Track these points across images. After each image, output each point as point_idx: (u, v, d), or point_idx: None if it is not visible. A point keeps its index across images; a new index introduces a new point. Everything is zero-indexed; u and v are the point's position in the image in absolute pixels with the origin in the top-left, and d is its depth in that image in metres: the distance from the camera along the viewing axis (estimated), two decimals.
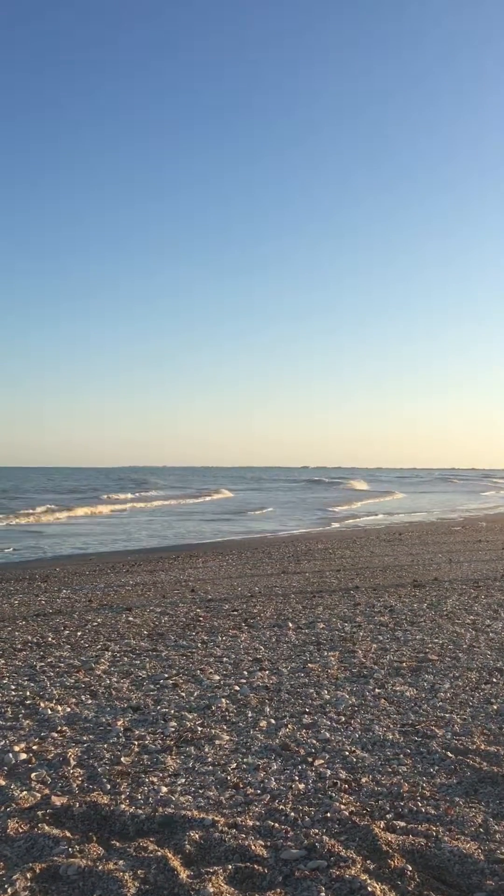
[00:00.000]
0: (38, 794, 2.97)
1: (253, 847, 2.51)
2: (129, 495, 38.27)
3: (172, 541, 16.54)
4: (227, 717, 3.93)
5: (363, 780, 3.11)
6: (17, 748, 3.49)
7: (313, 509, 30.55)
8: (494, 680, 4.60)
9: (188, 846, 2.53)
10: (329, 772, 3.19)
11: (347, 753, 3.41)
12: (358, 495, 45.28)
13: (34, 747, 3.51)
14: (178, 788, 3.03)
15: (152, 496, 38.66)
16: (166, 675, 4.75)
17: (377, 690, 4.39)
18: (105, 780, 3.12)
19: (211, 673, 4.80)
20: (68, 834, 2.64)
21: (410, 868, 2.38)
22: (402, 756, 3.38)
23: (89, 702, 4.23)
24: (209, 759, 3.35)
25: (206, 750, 3.47)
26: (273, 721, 3.86)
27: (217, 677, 4.69)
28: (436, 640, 5.71)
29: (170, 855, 2.45)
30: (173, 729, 3.75)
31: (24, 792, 2.99)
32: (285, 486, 66.20)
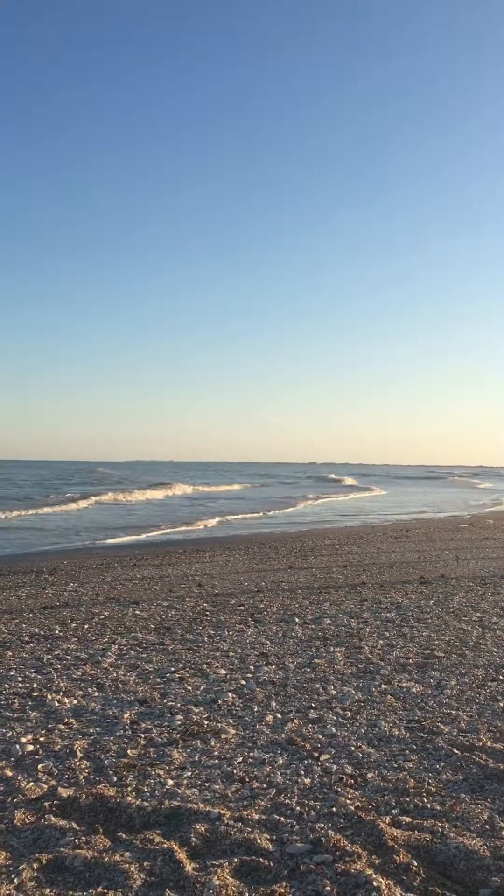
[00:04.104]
0: (45, 786, 2.98)
1: (259, 841, 2.52)
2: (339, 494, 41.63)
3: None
4: (234, 712, 3.94)
5: (369, 775, 3.11)
6: (24, 739, 3.51)
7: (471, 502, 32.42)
8: (501, 677, 4.59)
9: (194, 839, 2.54)
10: (335, 767, 3.20)
11: (353, 749, 3.41)
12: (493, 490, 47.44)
13: (41, 739, 3.53)
14: (185, 781, 3.04)
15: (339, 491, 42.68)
16: (173, 669, 4.76)
17: (383, 686, 4.39)
18: (111, 773, 3.13)
19: (217, 667, 4.81)
20: (74, 825, 2.65)
21: (416, 863, 2.38)
22: (407, 752, 3.38)
23: (96, 694, 4.24)
24: (215, 753, 3.36)
25: (213, 744, 3.48)
26: (279, 716, 3.87)
27: (223, 671, 4.70)
28: (442, 637, 5.70)
29: (176, 847, 2.46)
30: (179, 722, 3.76)
31: (31, 783, 3.01)
32: (399, 482, 66.12)
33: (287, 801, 2.86)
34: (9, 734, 3.60)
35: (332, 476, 70.28)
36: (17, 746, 3.40)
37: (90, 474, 58.98)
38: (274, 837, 2.56)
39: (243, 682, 4.45)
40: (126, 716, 3.86)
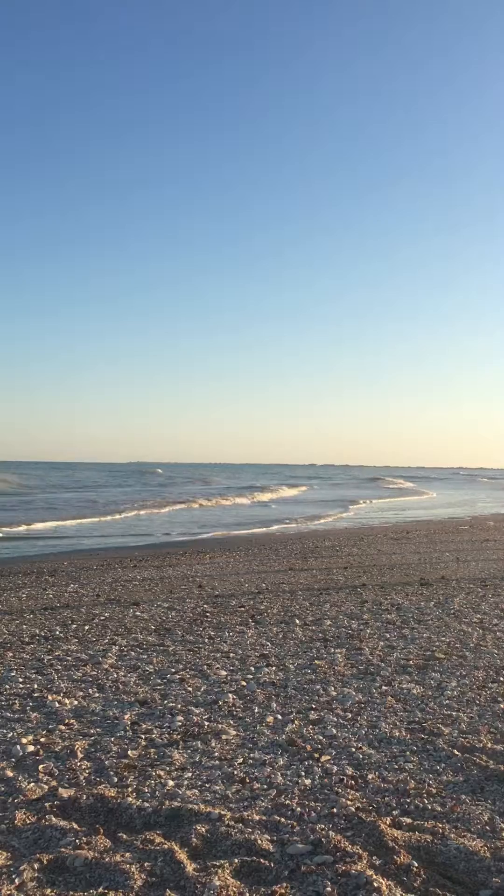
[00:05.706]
0: (46, 786, 2.99)
1: (259, 841, 2.52)
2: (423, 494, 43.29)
3: None
4: (234, 713, 3.94)
5: (369, 776, 3.11)
6: (24, 740, 3.51)
7: None
8: (501, 679, 4.59)
9: (195, 839, 2.54)
10: (335, 768, 3.20)
11: (354, 750, 3.41)
12: None
13: (42, 739, 3.53)
14: (185, 782, 3.04)
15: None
16: (173, 670, 4.76)
17: (384, 688, 4.39)
18: (112, 773, 3.13)
19: (218, 668, 4.81)
20: (75, 826, 2.65)
21: (416, 864, 2.39)
22: (408, 753, 3.38)
23: (96, 695, 4.25)
24: (216, 754, 3.36)
25: (213, 744, 3.48)
26: (279, 717, 3.87)
27: (224, 673, 4.70)
28: (443, 639, 5.70)
29: (176, 848, 2.46)
30: (180, 723, 3.76)
31: (32, 783, 3.01)
32: (433, 483, 66.42)
33: (288, 801, 2.86)
34: (10, 735, 3.60)
35: (380, 478, 72.59)
36: (18, 747, 3.41)
37: (156, 476, 62.62)
38: (274, 838, 2.56)
39: (244, 684, 4.45)
40: (127, 717, 3.86)
